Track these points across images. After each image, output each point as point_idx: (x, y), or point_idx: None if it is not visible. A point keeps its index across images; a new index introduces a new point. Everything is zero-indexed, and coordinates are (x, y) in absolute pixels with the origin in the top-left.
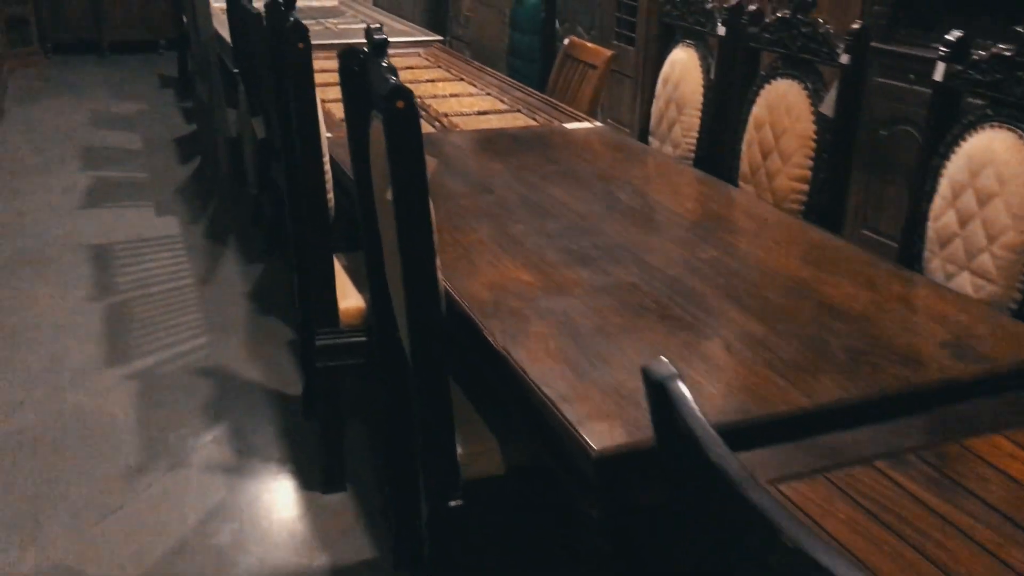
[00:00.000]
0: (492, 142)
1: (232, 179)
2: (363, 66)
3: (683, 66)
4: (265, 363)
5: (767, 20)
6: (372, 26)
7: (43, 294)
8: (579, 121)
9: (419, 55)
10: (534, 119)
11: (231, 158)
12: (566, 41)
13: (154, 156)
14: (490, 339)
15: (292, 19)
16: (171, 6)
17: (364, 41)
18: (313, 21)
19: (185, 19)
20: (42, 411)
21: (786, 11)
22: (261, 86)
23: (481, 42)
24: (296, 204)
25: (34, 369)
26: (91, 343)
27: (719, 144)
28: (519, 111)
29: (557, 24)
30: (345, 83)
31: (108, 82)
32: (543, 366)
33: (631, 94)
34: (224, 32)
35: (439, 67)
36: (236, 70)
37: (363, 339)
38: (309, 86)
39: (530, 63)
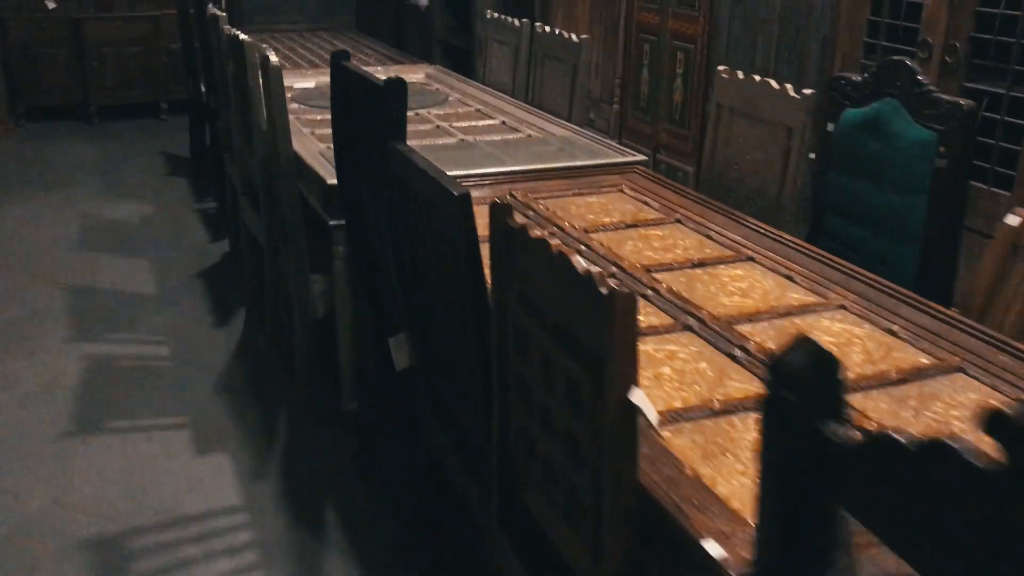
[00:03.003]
0: None
1: (312, 378)
2: None
3: None
4: None
5: None
6: None
7: None
8: None
9: (621, 190)
10: None
11: (313, 350)
12: (1013, 219)
13: (174, 310)
14: None
15: None
16: (178, 62)
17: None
18: (411, 113)
19: (205, 89)
20: None
21: None
22: (423, 288)
23: (727, 170)
24: None
25: None
26: None
27: None
28: (960, 370)
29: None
30: None
31: (99, 164)
32: None
33: None
34: (305, 148)
35: (678, 221)
36: (333, 223)
37: None
38: None
39: (895, 241)
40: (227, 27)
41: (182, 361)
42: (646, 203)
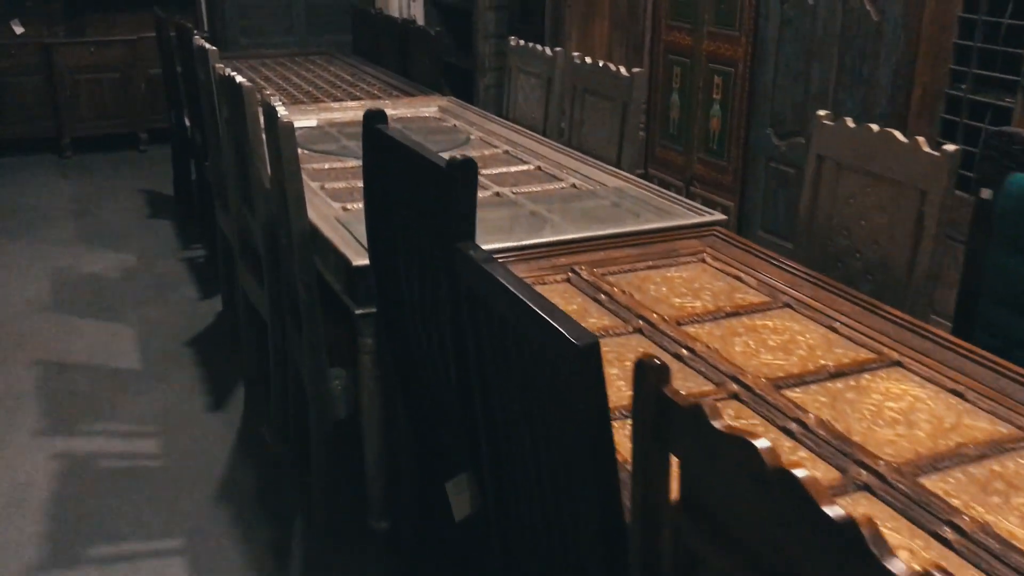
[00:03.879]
0: None
1: (332, 488)
2: None
3: None
4: None
5: None
6: None
7: None
8: None
9: (703, 260)
10: None
11: (334, 454)
12: None
13: (162, 388)
14: None
15: None
16: (157, 89)
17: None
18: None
19: (189, 121)
20: None
21: None
22: (503, 431)
23: (833, 236)
24: None
25: None
26: None
27: None
28: None
29: None
30: None
31: (74, 205)
32: None
33: None
34: (318, 212)
35: (787, 306)
36: (360, 311)
37: None
38: None
39: None
40: (219, 64)
41: (173, 459)
42: (738, 279)
